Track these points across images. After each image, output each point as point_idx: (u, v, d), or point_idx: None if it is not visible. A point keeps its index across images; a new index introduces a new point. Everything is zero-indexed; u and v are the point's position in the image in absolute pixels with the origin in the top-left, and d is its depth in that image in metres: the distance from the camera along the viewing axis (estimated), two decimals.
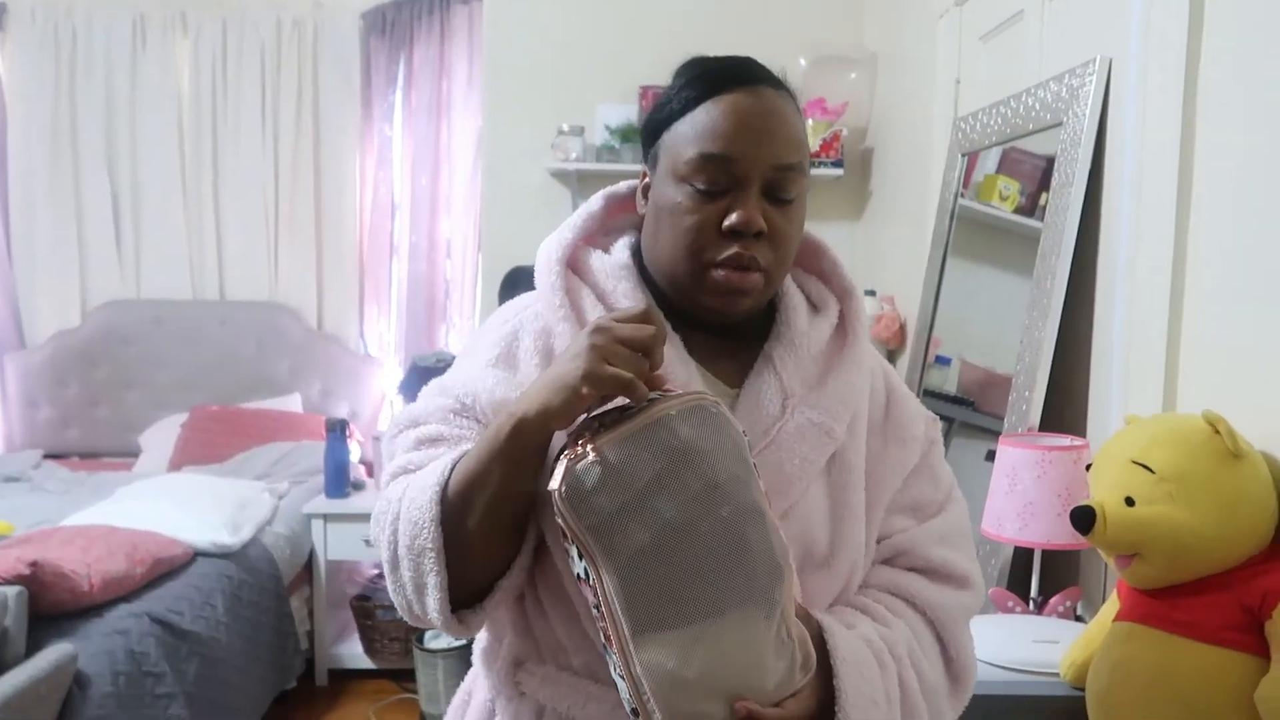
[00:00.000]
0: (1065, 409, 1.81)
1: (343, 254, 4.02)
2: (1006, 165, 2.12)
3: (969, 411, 2.22)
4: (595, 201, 1.02)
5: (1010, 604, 1.63)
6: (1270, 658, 1.10)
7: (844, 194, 3.29)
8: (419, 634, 2.96)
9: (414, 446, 0.94)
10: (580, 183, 3.29)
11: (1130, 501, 1.21)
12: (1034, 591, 1.65)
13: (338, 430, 3.18)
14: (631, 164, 3.06)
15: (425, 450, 0.93)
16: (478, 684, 1.04)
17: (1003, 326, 2.01)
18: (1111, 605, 1.34)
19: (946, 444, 2.36)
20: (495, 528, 0.85)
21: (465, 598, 0.87)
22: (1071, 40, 1.88)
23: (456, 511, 0.84)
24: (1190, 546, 1.17)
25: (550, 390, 0.80)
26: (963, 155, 2.30)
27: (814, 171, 0.88)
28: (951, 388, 2.35)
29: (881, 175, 3.17)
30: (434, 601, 0.85)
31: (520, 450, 0.82)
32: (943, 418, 2.38)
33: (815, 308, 1.00)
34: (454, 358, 1.06)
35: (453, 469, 0.85)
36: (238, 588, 2.72)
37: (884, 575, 0.99)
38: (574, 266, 0.98)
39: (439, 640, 2.87)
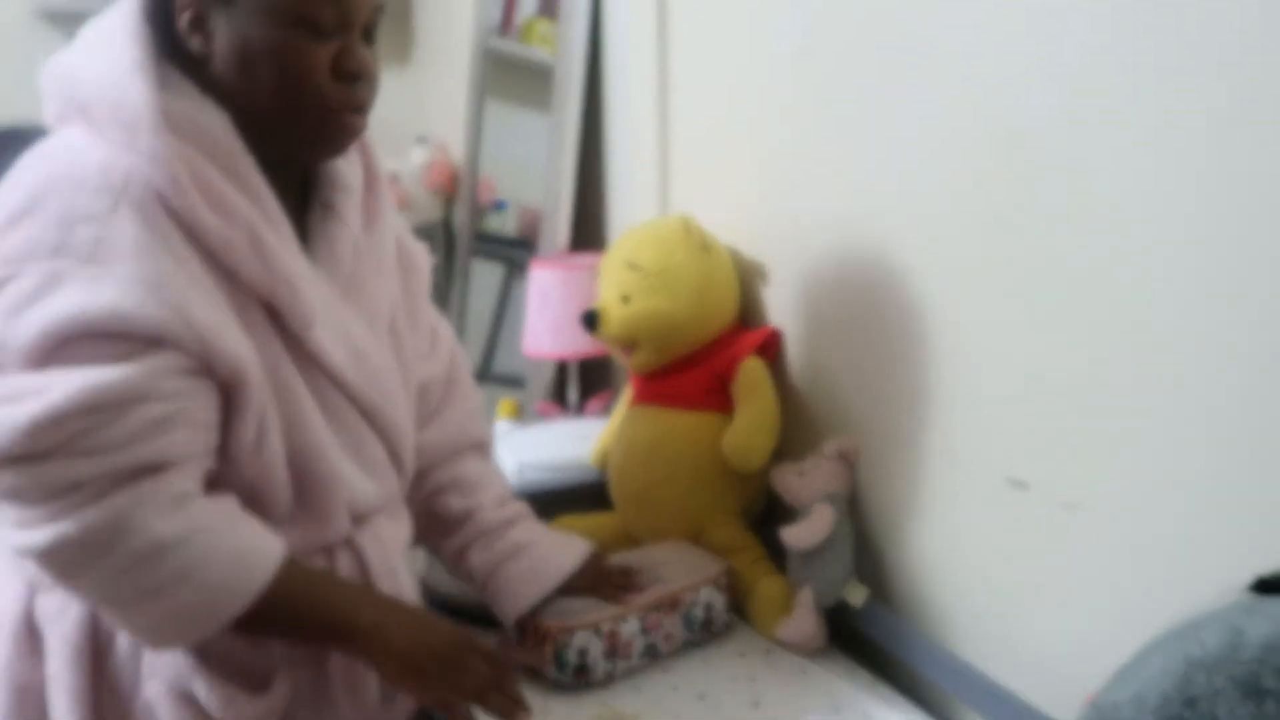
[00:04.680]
0: (591, 231, 1.97)
1: None
2: (546, 8, 2.17)
3: (527, 254, 2.32)
4: (130, 18, 0.82)
5: (553, 413, 1.79)
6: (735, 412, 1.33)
7: (389, 36, 3.19)
8: None
9: (149, 433, 0.76)
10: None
11: (627, 299, 1.37)
12: (574, 399, 1.82)
13: None
14: None
15: (163, 437, 0.77)
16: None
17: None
18: (626, 397, 1.52)
19: (509, 287, 2.48)
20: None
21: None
22: None
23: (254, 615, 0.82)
24: (672, 330, 1.35)
25: (422, 659, 0.87)
26: None
27: None
28: (511, 231, 2.44)
29: (426, 15, 3.13)
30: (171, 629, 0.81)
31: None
32: (504, 261, 2.46)
33: None
34: None
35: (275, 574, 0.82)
36: None
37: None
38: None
39: None
